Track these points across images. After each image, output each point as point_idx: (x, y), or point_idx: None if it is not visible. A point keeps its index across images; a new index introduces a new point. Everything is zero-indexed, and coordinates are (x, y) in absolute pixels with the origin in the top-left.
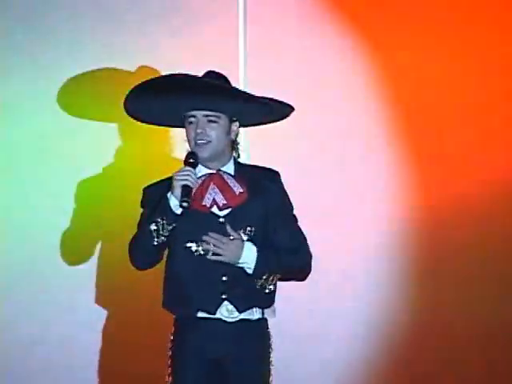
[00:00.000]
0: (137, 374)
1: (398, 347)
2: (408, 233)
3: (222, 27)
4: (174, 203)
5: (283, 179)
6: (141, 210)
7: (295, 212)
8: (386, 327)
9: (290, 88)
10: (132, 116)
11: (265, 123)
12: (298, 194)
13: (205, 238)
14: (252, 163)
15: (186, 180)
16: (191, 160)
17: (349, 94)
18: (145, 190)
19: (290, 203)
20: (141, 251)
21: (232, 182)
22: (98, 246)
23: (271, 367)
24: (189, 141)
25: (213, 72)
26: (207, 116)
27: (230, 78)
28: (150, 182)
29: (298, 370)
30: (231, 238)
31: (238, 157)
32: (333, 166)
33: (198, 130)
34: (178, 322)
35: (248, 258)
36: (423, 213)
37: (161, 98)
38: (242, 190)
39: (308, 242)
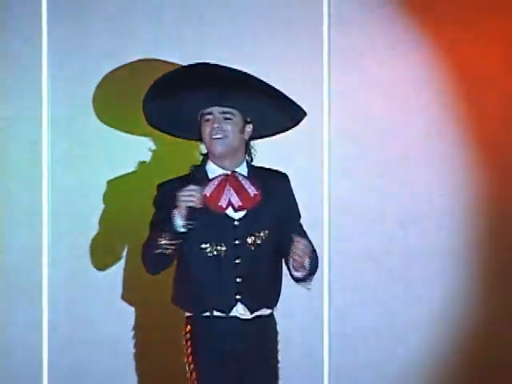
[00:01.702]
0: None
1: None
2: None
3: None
4: (179, 224)
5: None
6: None
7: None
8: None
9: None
10: (151, 124)
11: (279, 131)
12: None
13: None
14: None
15: (191, 201)
16: (196, 175)
17: (431, 95)
18: (159, 186)
19: (296, 205)
20: (151, 259)
21: (247, 184)
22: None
23: (278, 363)
24: (204, 138)
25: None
26: (223, 113)
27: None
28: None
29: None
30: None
31: (251, 160)
32: (418, 166)
33: (215, 125)
34: (193, 320)
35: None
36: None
37: (177, 98)
38: (256, 192)
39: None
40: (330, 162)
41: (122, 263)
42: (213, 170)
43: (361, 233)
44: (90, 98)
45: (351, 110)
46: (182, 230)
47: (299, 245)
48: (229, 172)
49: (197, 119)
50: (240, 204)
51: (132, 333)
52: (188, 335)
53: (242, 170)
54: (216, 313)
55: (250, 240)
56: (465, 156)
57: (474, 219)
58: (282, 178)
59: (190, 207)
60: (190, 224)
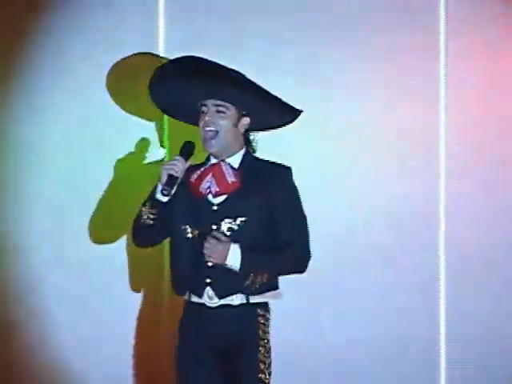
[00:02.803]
0: None
1: None
2: None
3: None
4: (159, 189)
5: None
6: None
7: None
8: None
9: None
10: (157, 103)
11: (274, 126)
12: None
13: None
14: None
15: (172, 169)
16: (186, 150)
17: None
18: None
19: (297, 199)
20: (135, 230)
21: (228, 172)
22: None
23: (261, 355)
24: (200, 130)
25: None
26: (217, 106)
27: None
28: None
29: None
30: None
31: (254, 152)
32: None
33: (206, 118)
34: (184, 305)
35: (233, 259)
36: None
37: (181, 84)
38: (234, 180)
39: (308, 238)
40: (446, 159)
41: None
42: (212, 159)
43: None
44: None
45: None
46: (159, 195)
47: (207, 243)
48: (217, 161)
49: (197, 107)
50: (217, 190)
51: None
52: (180, 320)
53: (235, 160)
54: (193, 297)
55: (225, 225)
56: None
57: None
58: (283, 172)
59: (170, 175)
60: (165, 189)
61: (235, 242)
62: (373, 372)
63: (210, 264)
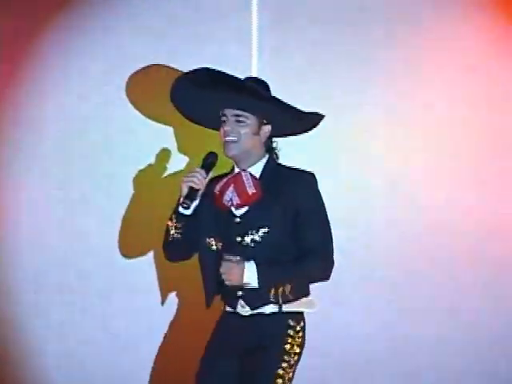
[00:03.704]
0: None
1: None
2: None
3: None
4: (181, 203)
5: None
6: None
7: None
8: None
9: None
10: (177, 107)
11: (297, 133)
12: None
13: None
14: None
15: (192, 182)
16: (208, 160)
17: None
18: None
19: (321, 205)
20: (165, 245)
21: (248, 183)
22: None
23: (287, 364)
24: (221, 139)
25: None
26: (236, 116)
27: None
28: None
29: None
30: (235, 259)
31: (277, 158)
32: None
33: (227, 128)
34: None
35: (250, 277)
36: None
37: (202, 93)
38: (254, 191)
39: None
40: None
41: None
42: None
43: None
44: None
45: None
46: (181, 209)
47: (223, 262)
48: (238, 171)
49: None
50: (238, 202)
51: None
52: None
53: (257, 169)
54: (227, 308)
55: (248, 237)
56: None
57: None
58: (307, 177)
59: (191, 188)
60: (185, 203)
61: (250, 259)
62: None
63: None
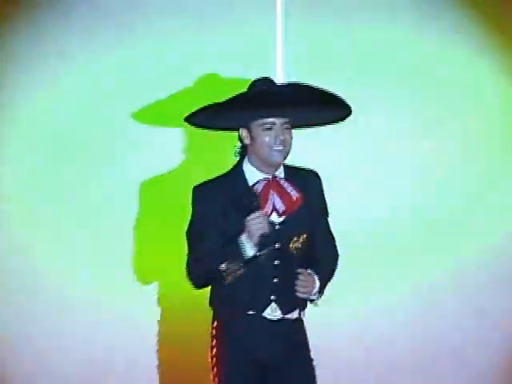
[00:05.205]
0: None
1: None
2: None
3: None
4: (250, 251)
5: None
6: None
7: None
8: None
9: None
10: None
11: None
12: None
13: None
14: None
15: (262, 229)
16: (255, 203)
17: None
18: (195, 188)
19: (325, 201)
20: (205, 280)
21: (289, 188)
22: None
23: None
24: (262, 147)
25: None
26: (285, 123)
27: None
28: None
29: None
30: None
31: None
32: None
33: (281, 137)
34: (223, 323)
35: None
36: None
37: (227, 109)
38: (298, 195)
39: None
40: None
41: None
42: (251, 172)
43: None
44: None
45: None
46: (251, 252)
47: (298, 281)
48: (270, 176)
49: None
50: (283, 209)
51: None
52: (214, 331)
53: (280, 172)
54: (250, 311)
55: (291, 244)
56: None
57: None
58: (314, 177)
59: (262, 235)
60: (262, 250)
61: (292, 265)
62: None
63: (275, 281)
